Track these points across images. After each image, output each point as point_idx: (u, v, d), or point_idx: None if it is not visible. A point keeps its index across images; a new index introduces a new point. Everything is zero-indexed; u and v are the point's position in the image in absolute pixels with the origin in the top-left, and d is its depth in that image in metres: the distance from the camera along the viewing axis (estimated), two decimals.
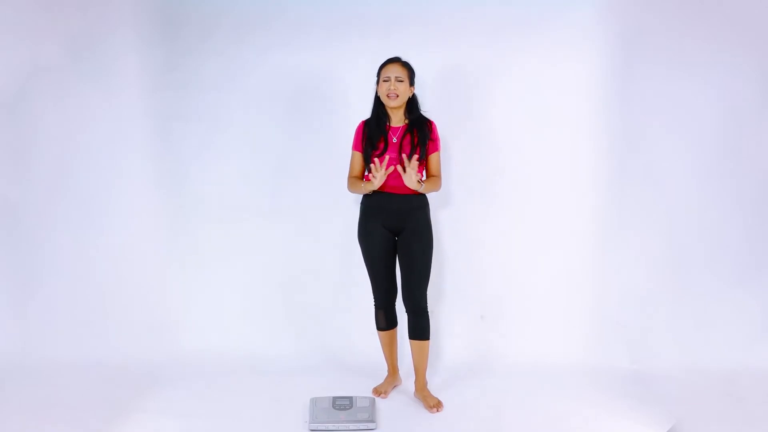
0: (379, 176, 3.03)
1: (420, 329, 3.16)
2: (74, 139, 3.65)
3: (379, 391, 3.27)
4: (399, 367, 3.40)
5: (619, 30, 3.55)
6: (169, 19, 3.63)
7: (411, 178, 3.02)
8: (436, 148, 3.16)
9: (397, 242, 3.18)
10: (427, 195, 3.19)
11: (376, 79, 3.15)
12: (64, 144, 3.65)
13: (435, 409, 3.10)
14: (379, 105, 3.16)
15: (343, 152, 3.35)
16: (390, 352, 3.33)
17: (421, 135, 3.12)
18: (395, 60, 3.13)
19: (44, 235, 3.69)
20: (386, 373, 3.37)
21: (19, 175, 3.66)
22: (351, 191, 3.22)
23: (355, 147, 3.20)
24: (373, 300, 3.29)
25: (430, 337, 3.20)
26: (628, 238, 3.66)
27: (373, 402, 3.10)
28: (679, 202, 3.63)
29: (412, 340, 3.19)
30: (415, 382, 3.22)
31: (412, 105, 3.16)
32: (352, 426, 2.95)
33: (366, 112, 3.20)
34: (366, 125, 3.18)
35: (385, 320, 3.29)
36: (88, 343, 3.62)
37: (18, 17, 3.55)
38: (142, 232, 3.73)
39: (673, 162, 3.62)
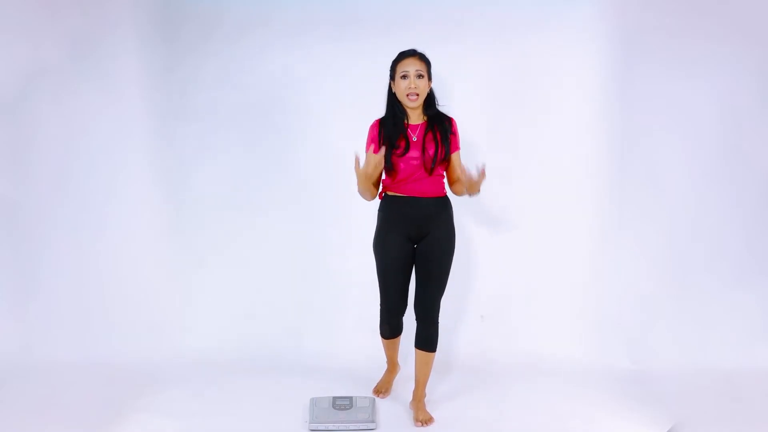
0: (372, 161, 2.76)
1: (428, 340, 3.01)
2: (74, 139, 3.65)
3: (379, 391, 3.27)
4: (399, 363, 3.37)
5: (620, 29, 3.55)
6: (169, 19, 3.63)
7: (475, 180, 2.76)
8: (457, 147, 2.94)
9: (416, 249, 2.98)
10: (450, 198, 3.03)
11: (390, 74, 2.93)
12: (64, 144, 3.65)
13: (421, 424, 2.96)
14: (394, 102, 2.93)
15: (344, 152, 3.34)
16: (391, 352, 3.29)
17: (442, 132, 2.90)
18: (412, 53, 2.88)
19: (44, 235, 3.68)
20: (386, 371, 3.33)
21: (19, 175, 3.65)
22: (361, 194, 2.93)
23: (369, 148, 2.91)
24: (380, 312, 3.15)
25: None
26: (628, 238, 3.66)
27: (373, 402, 3.10)
28: (679, 202, 3.64)
29: (418, 350, 3.04)
30: (413, 392, 3.10)
31: (429, 100, 2.94)
32: (352, 426, 2.94)
33: (367, 112, 3.10)
34: (382, 124, 2.94)
35: (390, 331, 3.17)
36: (88, 343, 3.61)
37: (18, 17, 3.54)
38: (142, 231, 3.73)
39: (673, 162, 3.62)
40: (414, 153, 2.90)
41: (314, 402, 3.06)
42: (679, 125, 3.59)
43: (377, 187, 2.96)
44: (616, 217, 3.66)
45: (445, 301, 3.02)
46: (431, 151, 2.90)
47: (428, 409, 3.07)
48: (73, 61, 3.60)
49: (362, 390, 3.28)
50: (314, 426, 2.93)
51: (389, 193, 2.97)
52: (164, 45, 3.64)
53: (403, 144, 2.90)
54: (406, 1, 3.59)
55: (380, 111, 3.00)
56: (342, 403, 3.05)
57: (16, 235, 3.69)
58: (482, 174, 2.78)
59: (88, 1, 3.58)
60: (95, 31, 3.60)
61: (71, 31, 3.58)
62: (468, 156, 3.57)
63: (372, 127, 2.97)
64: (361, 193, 2.92)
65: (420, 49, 2.93)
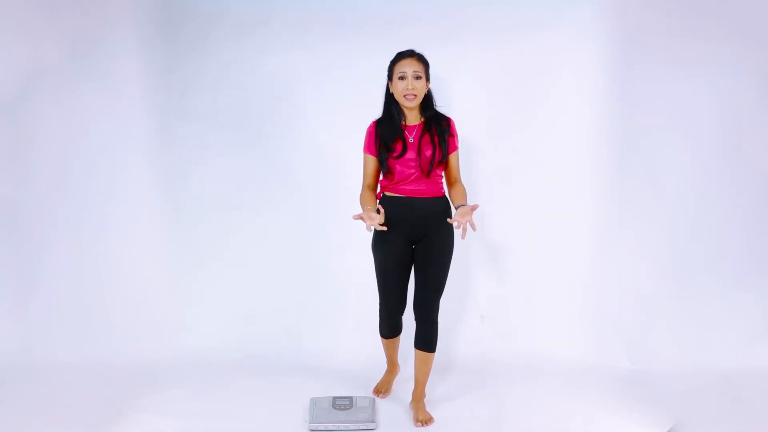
0: (375, 221, 2.73)
1: (428, 340, 2.99)
2: (74, 139, 3.65)
3: (379, 390, 3.27)
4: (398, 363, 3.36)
5: (620, 29, 3.55)
6: (169, 19, 3.63)
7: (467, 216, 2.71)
8: (455, 147, 2.93)
9: (414, 250, 2.99)
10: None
11: (387, 74, 2.92)
12: (64, 144, 3.65)
13: (421, 424, 2.96)
14: (391, 103, 2.92)
15: (344, 152, 3.35)
16: (391, 351, 3.29)
17: (440, 132, 2.89)
18: (410, 54, 2.87)
19: (44, 235, 3.68)
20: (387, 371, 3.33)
21: (19, 175, 3.65)
22: (360, 203, 2.95)
23: (367, 150, 2.95)
24: (379, 312, 3.15)
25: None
26: (628, 238, 3.66)
27: (373, 402, 3.10)
28: (679, 202, 3.64)
29: (417, 350, 3.03)
30: (413, 392, 3.09)
31: (427, 100, 2.92)
32: (352, 426, 2.95)
33: (367, 111, 3.10)
34: (378, 125, 2.94)
35: (389, 331, 3.17)
36: (88, 343, 3.61)
37: (18, 17, 3.54)
38: (142, 231, 3.73)
39: (673, 162, 3.62)
40: (410, 154, 2.90)
41: (314, 402, 3.06)
42: (679, 125, 3.59)
43: (375, 191, 3.00)
44: (616, 217, 3.66)
45: (444, 301, 3.02)
46: (428, 153, 2.89)
47: (428, 409, 3.07)
48: (73, 61, 3.60)
49: (362, 390, 3.28)
50: (314, 426, 2.93)
51: (387, 193, 2.97)
52: (164, 45, 3.64)
53: (399, 146, 2.90)
54: (406, 1, 3.59)
55: (380, 111, 3.00)
56: (342, 403, 3.05)
57: (16, 235, 3.69)
58: (472, 209, 2.74)
59: (88, 1, 3.58)
60: (95, 31, 3.59)
61: (71, 31, 3.58)
62: (468, 156, 3.59)
63: (369, 129, 2.97)
64: (361, 203, 2.95)
65: (419, 50, 2.93)
